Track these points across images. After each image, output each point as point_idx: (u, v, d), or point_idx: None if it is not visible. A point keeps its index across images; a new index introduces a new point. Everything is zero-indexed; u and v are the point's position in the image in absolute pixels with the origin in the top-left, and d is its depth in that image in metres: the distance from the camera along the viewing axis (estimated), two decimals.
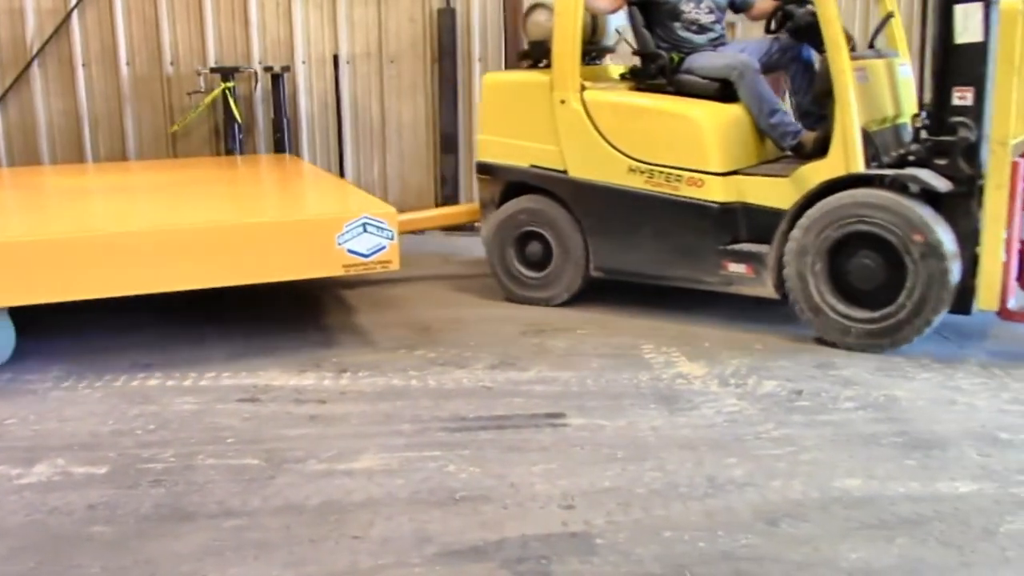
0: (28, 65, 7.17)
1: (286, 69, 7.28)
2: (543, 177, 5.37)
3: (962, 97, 4.36)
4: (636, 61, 5.42)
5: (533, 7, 5.71)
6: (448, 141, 7.49)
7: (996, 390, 4.06)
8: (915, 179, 4.39)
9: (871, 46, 5.44)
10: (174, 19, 7.27)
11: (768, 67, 5.21)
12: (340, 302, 5.63)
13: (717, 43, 5.38)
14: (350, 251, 4.49)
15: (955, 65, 4.37)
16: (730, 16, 5.75)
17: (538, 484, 3.25)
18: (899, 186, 4.43)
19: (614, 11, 5.48)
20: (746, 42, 5.72)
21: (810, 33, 4.91)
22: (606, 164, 5.13)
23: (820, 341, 4.62)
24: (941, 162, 4.42)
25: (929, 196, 4.40)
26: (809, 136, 4.91)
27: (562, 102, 5.23)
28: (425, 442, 3.61)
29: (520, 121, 5.43)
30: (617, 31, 5.83)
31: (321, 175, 6.52)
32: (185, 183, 5.96)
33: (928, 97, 4.61)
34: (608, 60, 6.03)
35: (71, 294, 4.22)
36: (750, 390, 4.10)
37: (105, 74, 7.28)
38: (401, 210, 5.35)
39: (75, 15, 7.17)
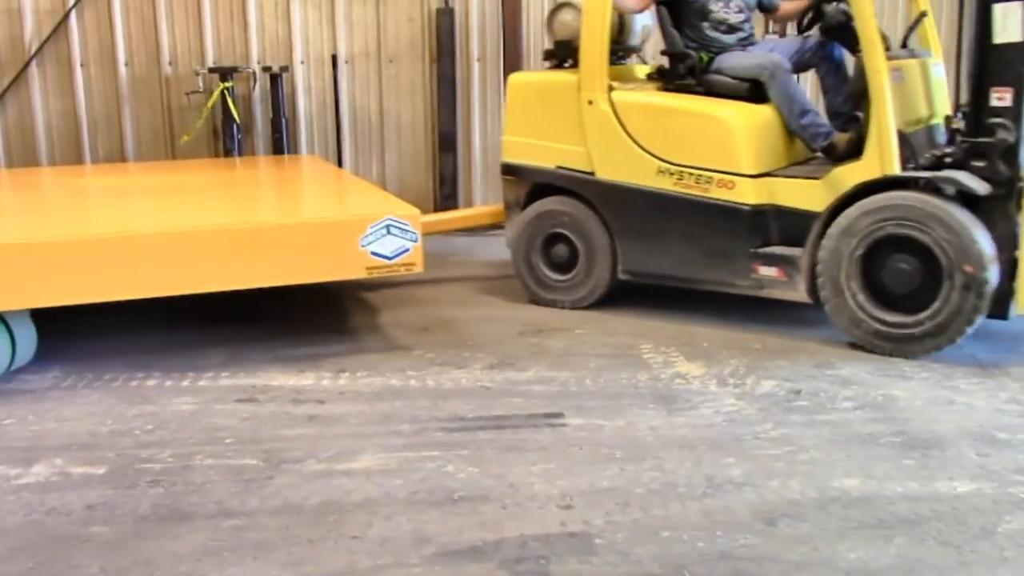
0: (26, 65, 7.17)
1: (284, 69, 7.28)
2: (570, 179, 5.31)
3: (1001, 98, 4.29)
4: (662, 61, 5.35)
5: (559, 6, 5.64)
6: (447, 141, 7.50)
7: (994, 390, 4.06)
8: (953, 181, 4.31)
9: (904, 45, 5.31)
10: (172, 19, 7.28)
11: (798, 67, 5.15)
12: (339, 302, 5.63)
13: (746, 43, 5.31)
14: (373, 253, 4.41)
15: (993, 65, 4.30)
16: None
17: (537, 484, 3.25)
18: (934, 188, 4.36)
19: (641, 10, 5.41)
20: (776, 41, 5.67)
21: (842, 32, 4.87)
22: (635, 165, 5.07)
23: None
24: (979, 164, 4.35)
25: (966, 199, 4.33)
26: (841, 137, 4.84)
27: (590, 103, 5.17)
28: (423, 442, 3.61)
29: (546, 122, 5.37)
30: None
31: (342, 175, 6.43)
32: (208, 185, 5.92)
33: (963, 98, 4.53)
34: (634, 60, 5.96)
35: (104, 295, 4.19)
36: (748, 390, 4.10)
37: (103, 74, 7.28)
38: None
39: (73, 15, 7.17)
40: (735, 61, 5.13)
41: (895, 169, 4.45)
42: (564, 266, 5.40)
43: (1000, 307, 4.38)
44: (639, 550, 2.82)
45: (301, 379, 4.31)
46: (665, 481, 3.26)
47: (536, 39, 7.43)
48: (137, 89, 7.32)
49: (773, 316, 5.02)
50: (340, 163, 7.51)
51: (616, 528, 2.95)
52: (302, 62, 7.43)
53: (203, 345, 4.78)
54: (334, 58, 7.40)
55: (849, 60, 5.04)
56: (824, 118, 5.07)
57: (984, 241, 4.24)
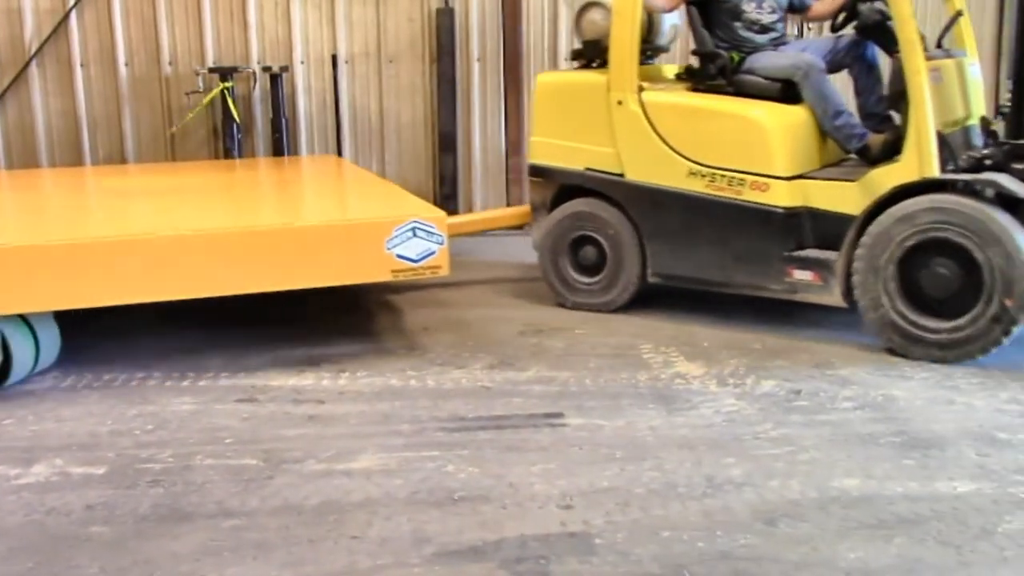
0: (26, 65, 7.17)
1: (284, 69, 7.29)
2: (598, 180, 5.24)
3: None
4: (692, 61, 5.30)
5: (588, 5, 5.55)
6: (447, 141, 7.49)
7: (994, 390, 4.06)
8: (994, 184, 4.25)
9: (939, 46, 5.20)
10: (172, 19, 7.28)
11: (831, 67, 5.08)
12: (339, 303, 5.63)
13: (778, 43, 5.25)
14: (399, 256, 4.36)
15: None
16: None
17: (537, 484, 3.25)
18: (972, 191, 4.30)
19: (671, 10, 5.37)
20: (808, 41, 5.61)
21: (877, 32, 4.82)
22: (665, 167, 5.00)
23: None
24: (1020, 166, 4.29)
25: (1007, 201, 4.26)
26: (876, 139, 4.78)
27: (619, 103, 5.10)
28: (423, 442, 3.61)
29: (574, 123, 5.30)
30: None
31: (366, 176, 6.38)
32: (230, 186, 5.89)
33: (1002, 98, 4.44)
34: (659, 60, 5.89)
35: (120, 298, 4.17)
36: (748, 390, 4.10)
37: (103, 75, 7.28)
38: None
39: (73, 15, 7.17)
40: (768, 61, 5.06)
41: (934, 171, 4.36)
42: (592, 269, 5.33)
43: None
44: (639, 550, 2.82)
45: (301, 379, 4.31)
46: (665, 481, 3.26)
47: (536, 39, 7.44)
48: (137, 89, 7.32)
49: (773, 316, 5.02)
50: None
51: (616, 528, 2.94)
52: (302, 62, 7.43)
53: (203, 345, 4.78)
54: (334, 58, 7.40)
55: (882, 60, 4.99)
56: (858, 119, 5.00)
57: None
